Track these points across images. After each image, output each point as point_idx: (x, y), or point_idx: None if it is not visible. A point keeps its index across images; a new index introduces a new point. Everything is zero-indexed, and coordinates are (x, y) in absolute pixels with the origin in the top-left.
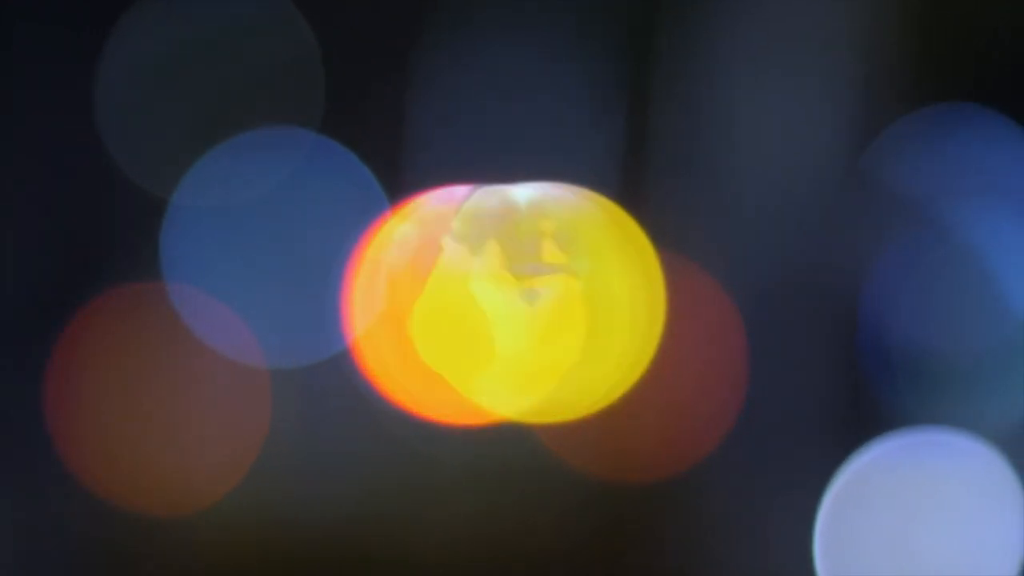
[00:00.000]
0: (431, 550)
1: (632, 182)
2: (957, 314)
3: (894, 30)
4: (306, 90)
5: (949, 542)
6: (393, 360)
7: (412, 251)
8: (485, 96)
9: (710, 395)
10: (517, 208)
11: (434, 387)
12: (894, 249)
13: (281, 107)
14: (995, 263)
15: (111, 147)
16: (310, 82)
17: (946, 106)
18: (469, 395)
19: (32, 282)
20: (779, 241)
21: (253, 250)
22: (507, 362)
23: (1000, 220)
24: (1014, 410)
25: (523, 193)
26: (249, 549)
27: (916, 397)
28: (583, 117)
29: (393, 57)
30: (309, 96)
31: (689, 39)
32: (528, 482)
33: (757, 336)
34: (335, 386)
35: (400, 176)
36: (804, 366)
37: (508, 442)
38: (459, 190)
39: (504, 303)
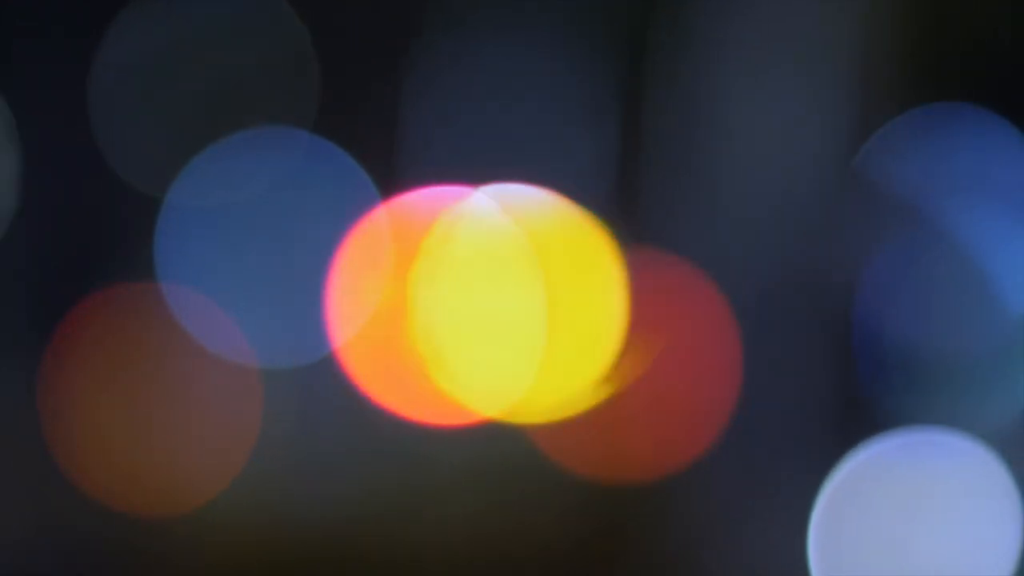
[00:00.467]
0: (422, 550)
1: (626, 183)
2: (951, 313)
3: (887, 31)
4: (300, 90)
5: (944, 541)
6: (383, 361)
7: (402, 251)
8: (479, 96)
9: (705, 395)
10: (504, 210)
11: (424, 387)
12: (888, 249)
13: (275, 107)
14: (989, 263)
15: (105, 147)
16: (304, 82)
17: (939, 106)
18: (458, 396)
19: (26, 281)
20: (773, 241)
21: (247, 250)
22: (494, 362)
23: (994, 220)
24: (1008, 410)
25: (510, 195)
26: (240, 548)
27: (910, 397)
28: (578, 118)
29: (387, 57)
30: (303, 96)
31: (683, 40)
32: (521, 483)
33: (752, 336)
34: (328, 386)
35: (393, 176)
36: (799, 366)
37: (500, 442)
38: (451, 191)
39: (491, 303)
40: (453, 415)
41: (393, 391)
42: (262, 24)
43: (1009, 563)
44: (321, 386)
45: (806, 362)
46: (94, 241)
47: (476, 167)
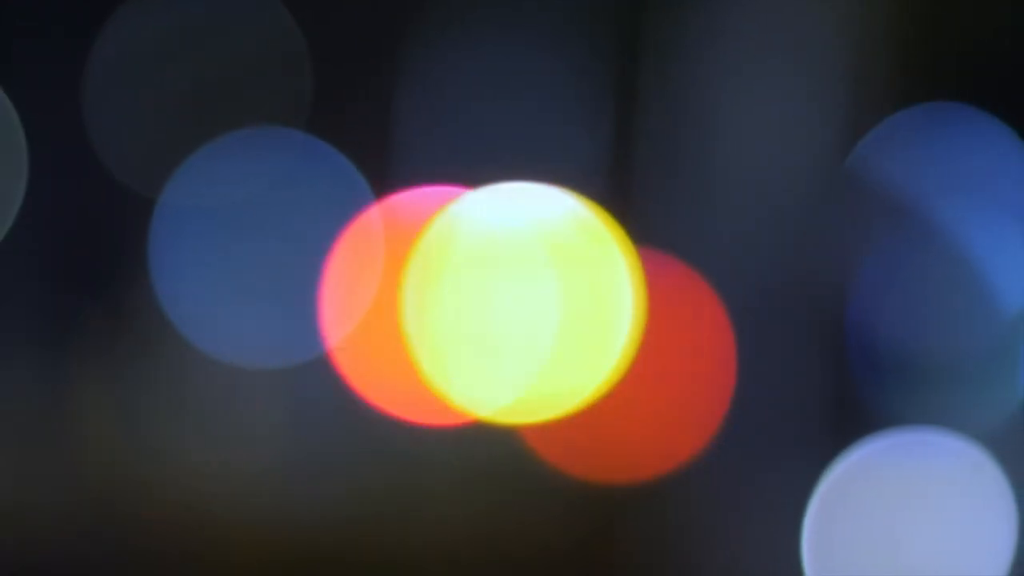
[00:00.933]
0: (414, 550)
1: (619, 181)
2: (944, 314)
3: (880, 31)
4: (293, 90)
5: (937, 541)
6: (376, 360)
7: (396, 251)
8: (473, 95)
9: (697, 395)
10: (499, 208)
11: (417, 387)
12: (882, 249)
13: (269, 107)
14: (981, 263)
15: (98, 147)
16: (297, 82)
17: (933, 106)
18: (451, 396)
19: (20, 280)
20: (767, 240)
21: (240, 250)
22: (487, 362)
23: (987, 220)
24: (1001, 409)
25: (505, 194)
26: (232, 547)
27: (904, 396)
28: (572, 117)
29: (380, 57)
30: (297, 96)
31: (677, 39)
32: (514, 483)
33: (744, 336)
34: (321, 386)
35: (387, 175)
36: (791, 366)
37: (493, 443)
38: (444, 190)
39: (485, 303)
40: (446, 415)
41: (387, 391)
42: (256, 24)
43: (1002, 563)
44: (314, 386)
45: (799, 362)
46: (88, 241)
47: (469, 167)
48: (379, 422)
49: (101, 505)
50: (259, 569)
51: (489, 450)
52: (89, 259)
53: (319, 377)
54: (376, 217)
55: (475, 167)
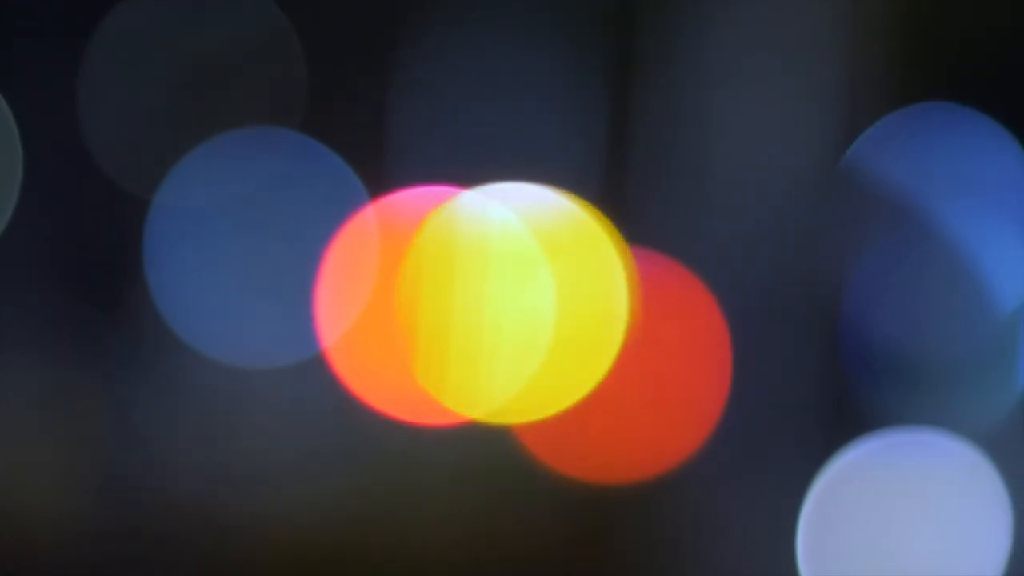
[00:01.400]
0: (409, 550)
1: (614, 182)
2: (939, 313)
3: (875, 30)
4: (288, 90)
5: (932, 541)
6: (372, 360)
7: (391, 251)
8: (467, 95)
9: (692, 395)
10: (495, 208)
11: (412, 387)
12: (877, 248)
13: (264, 107)
14: (977, 263)
15: (93, 147)
16: (292, 82)
17: (928, 106)
18: (446, 396)
19: (14, 283)
20: (762, 240)
21: (235, 250)
22: (482, 362)
23: (983, 219)
24: (996, 409)
25: (499, 193)
26: (227, 546)
27: (899, 396)
28: (566, 116)
29: (375, 57)
30: (292, 96)
31: (673, 40)
32: (509, 483)
33: (739, 336)
34: (316, 386)
35: (382, 175)
36: (787, 366)
37: (487, 443)
38: (439, 190)
39: (480, 303)
40: (441, 415)
41: (382, 391)
42: (251, 24)
43: (997, 563)
44: (309, 386)
45: (795, 362)
46: (83, 242)
47: (464, 167)
48: (374, 422)
49: (98, 505)
50: (254, 568)
51: (484, 450)
52: (84, 259)
53: (314, 377)
54: (371, 217)
55: (470, 167)
